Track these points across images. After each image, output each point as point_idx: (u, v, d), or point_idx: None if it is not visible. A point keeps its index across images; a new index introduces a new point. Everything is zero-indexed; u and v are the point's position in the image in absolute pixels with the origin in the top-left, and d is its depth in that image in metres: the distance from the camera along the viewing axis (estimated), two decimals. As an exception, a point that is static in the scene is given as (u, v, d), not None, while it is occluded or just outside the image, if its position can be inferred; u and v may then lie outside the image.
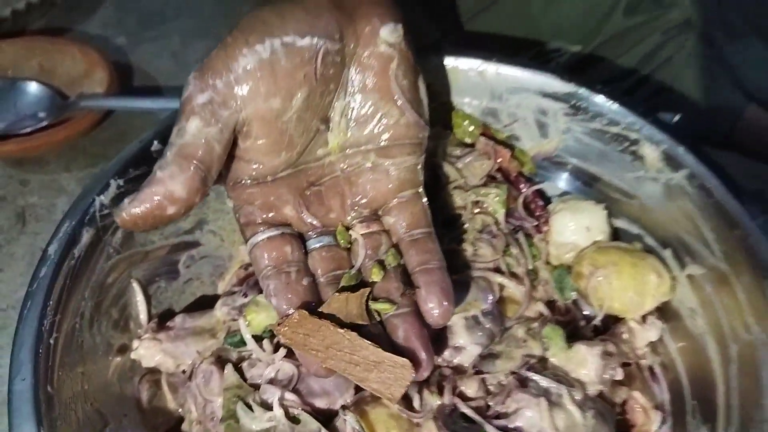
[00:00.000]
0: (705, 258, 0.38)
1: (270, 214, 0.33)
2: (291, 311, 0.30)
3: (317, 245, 0.33)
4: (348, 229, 0.34)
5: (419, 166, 0.36)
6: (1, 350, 0.48)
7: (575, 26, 0.59)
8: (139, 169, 0.39)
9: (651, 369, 0.40)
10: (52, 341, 0.31)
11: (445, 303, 0.31)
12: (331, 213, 0.34)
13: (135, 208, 0.27)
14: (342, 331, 0.29)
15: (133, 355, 0.37)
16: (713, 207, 0.38)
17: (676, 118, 0.57)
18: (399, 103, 0.35)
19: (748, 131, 0.59)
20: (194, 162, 0.28)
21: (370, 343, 0.29)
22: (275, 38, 0.30)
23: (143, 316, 0.39)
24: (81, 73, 0.68)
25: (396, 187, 0.35)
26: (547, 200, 0.47)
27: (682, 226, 0.40)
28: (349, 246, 0.34)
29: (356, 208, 0.35)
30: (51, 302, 0.32)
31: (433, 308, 0.31)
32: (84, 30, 0.78)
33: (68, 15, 0.81)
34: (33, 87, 0.65)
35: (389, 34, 0.34)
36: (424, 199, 0.35)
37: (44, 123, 0.62)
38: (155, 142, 0.40)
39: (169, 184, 0.28)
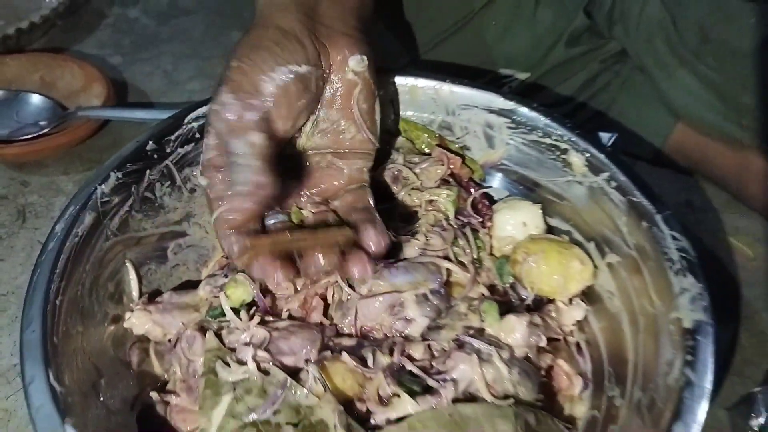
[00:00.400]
0: (621, 248, 0.45)
1: None
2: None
3: (272, 221, 0.40)
4: (301, 209, 0.41)
5: (366, 169, 0.43)
6: (1, 330, 0.53)
7: (524, 56, 0.67)
8: (135, 165, 0.45)
9: (578, 344, 0.46)
10: (57, 302, 0.37)
11: (381, 236, 0.39)
12: (289, 198, 0.41)
13: None
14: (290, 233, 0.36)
15: (125, 324, 0.42)
16: (627, 204, 0.45)
17: (614, 137, 0.64)
18: (357, 122, 0.42)
19: (676, 147, 0.66)
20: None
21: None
22: (284, 66, 0.37)
23: (135, 292, 0.45)
24: (79, 87, 0.74)
25: (346, 182, 0.42)
26: (493, 201, 0.54)
27: (602, 222, 0.47)
28: (302, 223, 0.41)
29: (311, 195, 0.41)
30: (57, 270, 0.38)
31: (371, 241, 0.38)
32: (81, 50, 0.85)
33: (67, 35, 0.88)
34: (35, 98, 0.71)
35: (356, 64, 0.41)
36: (369, 191, 0.42)
37: (45, 131, 0.67)
38: (150, 142, 0.46)
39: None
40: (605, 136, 0.65)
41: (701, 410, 0.33)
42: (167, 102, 0.76)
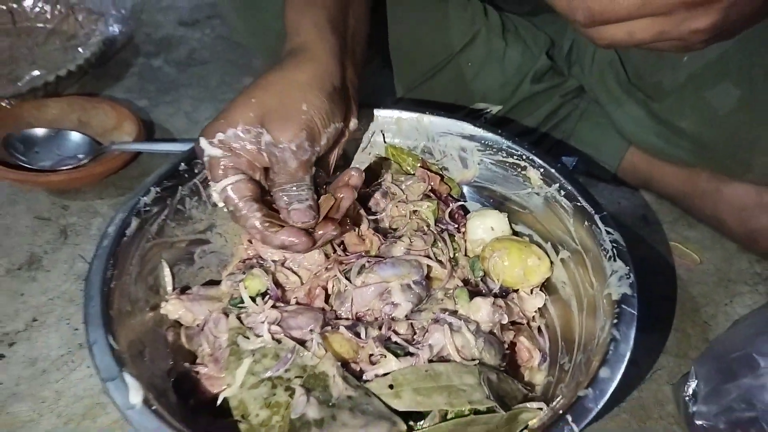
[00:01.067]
0: (570, 245, 0.54)
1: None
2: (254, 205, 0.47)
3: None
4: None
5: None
6: (49, 327, 0.62)
7: (496, 91, 0.78)
8: (170, 182, 0.55)
9: (539, 328, 0.55)
10: (111, 286, 0.46)
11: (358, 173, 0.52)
12: None
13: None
14: None
15: (162, 311, 0.51)
16: (573, 208, 0.54)
17: (575, 161, 0.75)
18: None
19: (630, 168, 0.76)
20: None
21: None
22: (333, 124, 0.50)
23: (169, 286, 0.54)
24: (112, 125, 0.85)
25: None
26: (467, 211, 0.63)
27: (556, 224, 0.56)
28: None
29: None
30: (111, 261, 0.47)
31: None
32: (112, 95, 0.96)
33: (99, 82, 1.00)
34: (74, 135, 0.82)
35: (353, 125, 0.53)
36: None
37: (82, 162, 0.78)
38: (182, 164, 0.56)
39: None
40: (568, 161, 0.75)
41: (624, 359, 0.42)
42: (188, 138, 0.87)
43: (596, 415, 0.38)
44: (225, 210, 0.50)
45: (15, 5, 1.13)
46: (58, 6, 1.13)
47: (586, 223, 0.52)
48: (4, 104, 0.88)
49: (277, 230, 0.47)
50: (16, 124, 0.82)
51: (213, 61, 1.05)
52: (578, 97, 0.79)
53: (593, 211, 0.52)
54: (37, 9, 1.13)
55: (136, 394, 0.39)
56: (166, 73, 1.02)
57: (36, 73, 0.96)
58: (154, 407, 0.38)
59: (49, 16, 1.13)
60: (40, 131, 0.81)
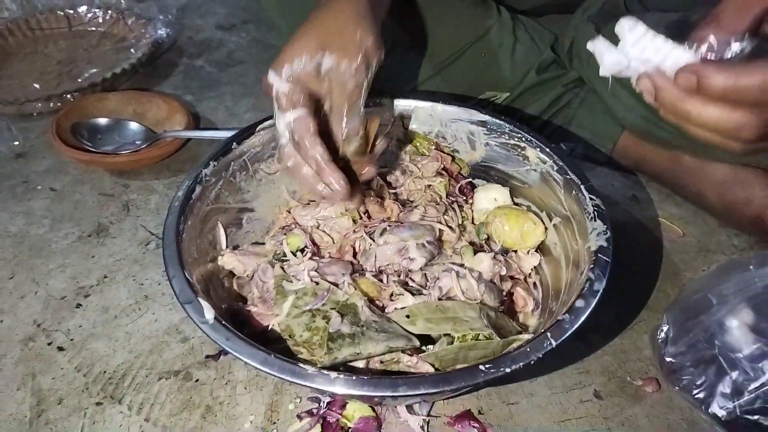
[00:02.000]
0: (560, 211, 0.64)
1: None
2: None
3: None
4: None
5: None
6: (118, 283, 0.73)
7: (506, 80, 0.87)
8: (224, 157, 0.66)
9: (534, 283, 0.65)
10: (183, 236, 0.57)
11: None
12: None
13: None
14: None
15: (219, 262, 0.62)
16: (563, 181, 0.64)
17: (572, 146, 0.84)
18: None
19: (622, 151, 0.85)
20: None
21: None
22: (379, 53, 0.57)
23: (223, 244, 0.65)
24: (164, 116, 0.97)
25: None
26: (475, 187, 0.73)
27: (549, 196, 0.66)
28: None
29: None
30: (181, 217, 0.58)
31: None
32: (161, 90, 1.08)
33: (148, 80, 1.11)
34: (132, 125, 0.93)
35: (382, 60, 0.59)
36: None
37: (140, 148, 0.89)
38: (234, 143, 0.67)
39: None
40: (567, 146, 0.85)
41: (597, 293, 0.51)
42: (231, 127, 0.98)
43: (572, 334, 0.48)
44: (288, 140, 0.57)
45: (71, 11, 1.26)
46: (110, 11, 1.26)
47: (573, 192, 0.62)
48: (69, 97, 1.00)
49: (331, 168, 0.55)
50: (81, 114, 0.94)
51: (249, 62, 1.17)
52: (578, 86, 0.88)
53: (579, 182, 0.62)
54: (90, 14, 1.26)
55: (209, 312, 0.49)
56: (208, 72, 1.14)
57: (94, 70, 1.08)
58: (223, 322, 0.49)
59: (101, 21, 1.26)
60: (102, 120, 0.93)
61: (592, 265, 0.53)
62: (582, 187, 0.61)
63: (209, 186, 0.63)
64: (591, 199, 0.60)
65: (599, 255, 0.54)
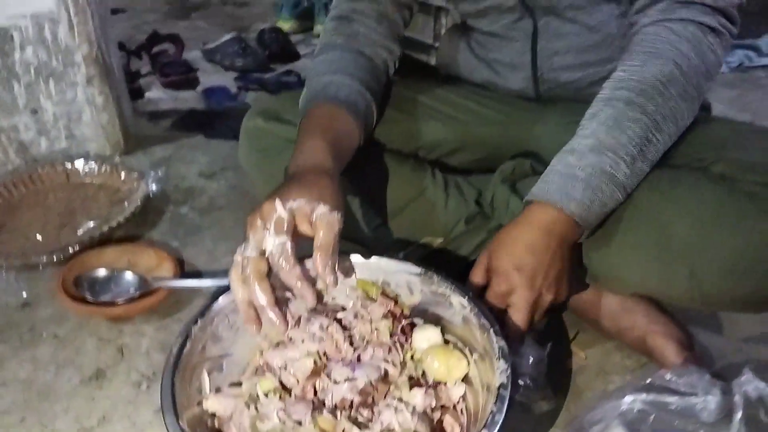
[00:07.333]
0: (477, 349, 0.81)
1: None
2: None
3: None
4: None
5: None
6: (115, 423, 0.86)
7: (440, 228, 1.07)
8: (209, 313, 0.82)
9: (461, 410, 0.80)
10: (176, 387, 0.71)
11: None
12: None
13: None
14: None
15: (204, 406, 0.76)
16: (479, 324, 0.81)
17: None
18: None
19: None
20: None
21: None
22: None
23: (207, 389, 0.79)
24: (154, 265, 1.13)
25: None
26: (414, 325, 0.90)
27: (470, 335, 0.83)
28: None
29: None
30: (174, 371, 0.73)
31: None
32: (150, 237, 1.25)
33: (139, 227, 1.29)
34: (127, 274, 1.09)
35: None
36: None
37: (134, 296, 1.05)
38: (218, 300, 0.83)
39: None
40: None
41: (497, 424, 0.67)
42: (211, 271, 1.14)
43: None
44: (276, 261, 0.73)
45: (69, 166, 1.45)
46: (105, 165, 1.45)
47: (485, 334, 0.79)
48: (70, 250, 1.16)
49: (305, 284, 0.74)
50: (83, 267, 1.09)
51: (227, 208, 1.36)
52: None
53: (490, 326, 0.79)
54: (87, 168, 1.45)
55: (199, 455, 0.63)
56: (191, 218, 1.32)
57: (91, 224, 1.26)
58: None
59: (96, 173, 1.45)
60: (101, 272, 1.08)
61: (495, 399, 0.69)
62: (491, 330, 0.78)
63: (197, 340, 0.79)
64: (497, 341, 0.77)
65: (500, 390, 0.70)
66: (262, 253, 0.74)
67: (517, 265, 0.83)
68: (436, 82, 1.22)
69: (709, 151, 0.83)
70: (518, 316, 0.81)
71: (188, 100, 2.20)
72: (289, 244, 0.73)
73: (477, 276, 0.86)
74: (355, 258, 0.92)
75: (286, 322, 0.76)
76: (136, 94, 2.21)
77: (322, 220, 0.74)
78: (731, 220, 0.76)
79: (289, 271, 0.73)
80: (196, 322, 0.80)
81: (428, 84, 1.19)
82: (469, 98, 1.16)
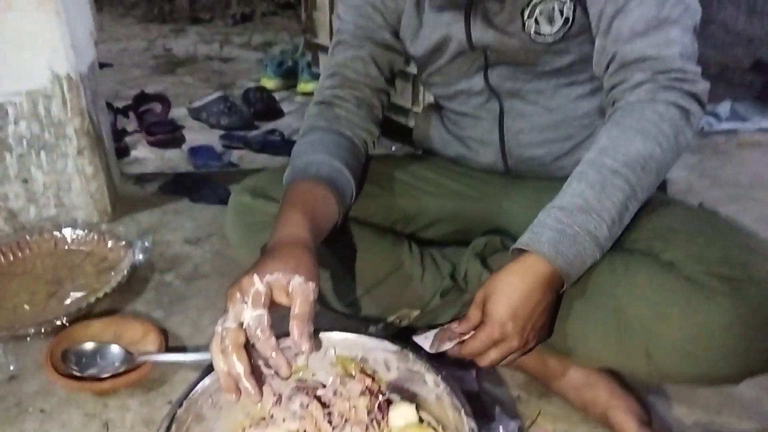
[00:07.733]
0: (450, 427, 0.85)
1: None
2: None
3: None
4: None
5: None
6: None
7: (416, 301, 1.12)
8: (193, 394, 0.85)
9: (435, 485, 0.84)
10: (162, 473, 0.75)
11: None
12: None
13: None
14: None
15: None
16: (451, 404, 0.86)
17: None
18: None
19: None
20: None
21: None
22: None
23: None
24: (139, 337, 1.16)
25: None
26: (391, 402, 0.94)
27: (443, 413, 0.87)
28: None
29: None
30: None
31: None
32: (135, 307, 1.29)
33: (123, 297, 1.32)
34: (113, 347, 1.12)
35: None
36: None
37: (120, 370, 1.07)
38: (205, 380, 0.87)
39: None
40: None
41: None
42: (195, 344, 1.18)
43: None
44: (253, 333, 0.76)
45: (57, 234, 1.49)
46: (92, 233, 1.49)
47: (457, 413, 0.84)
48: (57, 322, 1.19)
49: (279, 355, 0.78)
50: (70, 341, 1.12)
51: (212, 275, 1.40)
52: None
53: (461, 406, 0.84)
54: (75, 236, 1.49)
55: None
56: (176, 286, 1.36)
57: (78, 294, 1.29)
58: None
59: (83, 241, 1.49)
60: (88, 346, 1.11)
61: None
62: (462, 410, 0.83)
63: (181, 423, 0.82)
64: (468, 420, 0.81)
65: (470, 457, 0.75)
66: (241, 324, 0.79)
67: (514, 314, 0.85)
68: (411, 158, 1.29)
69: (659, 240, 0.91)
70: (495, 355, 0.88)
71: (174, 159, 2.27)
72: (265, 317, 0.77)
73: (476, 317, 0.89)
74: (335, 334, 0.97)
75: (261, 393, 0.80)
76: (123, 152, 2.27)
77: (298, 291, 0.78)
78: (681, 306, 0.83)
79: (264, 342, 0.77)
80: (180, 404, 0.83)
81: (404, 160, 1.27)
82: (444, 174, 1.24)
